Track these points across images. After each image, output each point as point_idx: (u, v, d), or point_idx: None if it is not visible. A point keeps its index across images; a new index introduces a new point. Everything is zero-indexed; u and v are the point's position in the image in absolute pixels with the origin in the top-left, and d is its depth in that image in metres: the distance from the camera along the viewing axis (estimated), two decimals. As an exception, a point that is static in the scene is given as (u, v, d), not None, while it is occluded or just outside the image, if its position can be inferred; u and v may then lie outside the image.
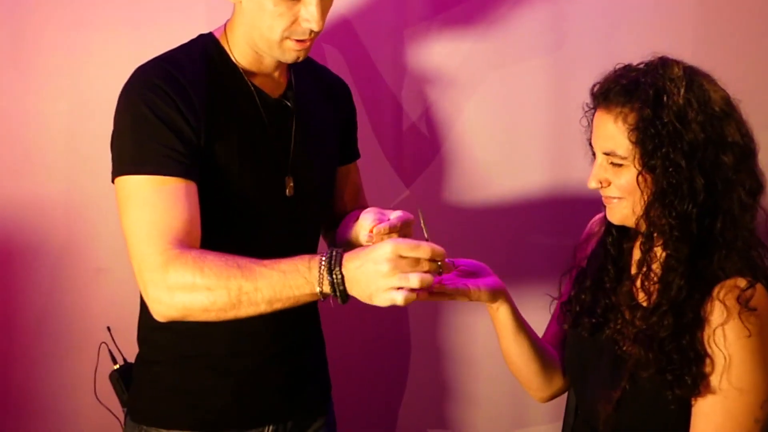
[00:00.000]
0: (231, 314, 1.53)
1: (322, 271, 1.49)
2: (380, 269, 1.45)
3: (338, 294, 1.50)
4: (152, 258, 1.55)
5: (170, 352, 1.77)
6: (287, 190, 1.75)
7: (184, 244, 1.56)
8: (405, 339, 2.52)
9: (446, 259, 1.51)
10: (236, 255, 1.54)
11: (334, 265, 1.49)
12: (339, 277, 1.48)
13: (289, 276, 1.50)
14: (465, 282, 1.63)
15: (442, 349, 2.53)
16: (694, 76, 1.57)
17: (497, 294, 1.68)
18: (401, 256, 1.45)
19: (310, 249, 1.83)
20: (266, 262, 1.53)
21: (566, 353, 1.78)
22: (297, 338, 1.85)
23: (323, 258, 1.50)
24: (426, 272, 1.46)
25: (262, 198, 1.72)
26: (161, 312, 1.57)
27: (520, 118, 2.44)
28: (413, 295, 1.46)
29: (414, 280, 1.45)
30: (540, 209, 2.47)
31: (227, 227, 1.70)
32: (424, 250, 1.46)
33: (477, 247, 2.39)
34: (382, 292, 1.45)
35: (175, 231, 1.56)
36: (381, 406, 2.55)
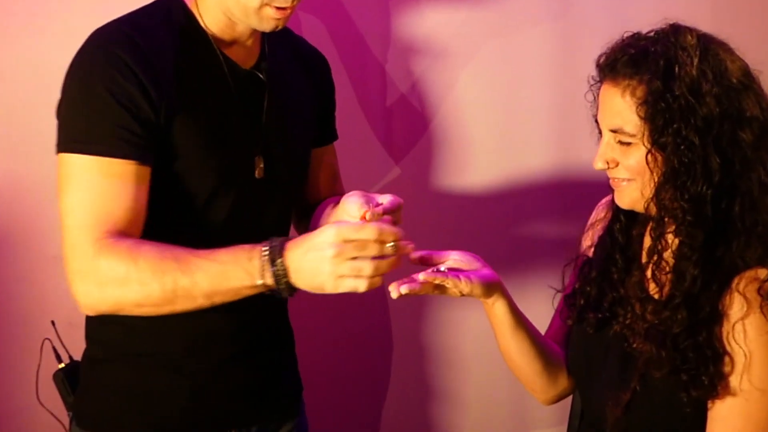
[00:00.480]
0: (166, 309, 1.53)
1: (263, 262, 1.48)
2: (325, 255, 1.44)
3: (282, 286, 1.48)
4: (83, 247, 1.52)
5: (121, 349, 1.72)
6: (257, 172, 1.71)
7: (123, 234, 1.54)
8: (386, 335, 2.48)
9: (419, 250, 1.52)
10: (174, 245, 1.53)
11: (276, 255, 1.47)
12: (282, 268, 1.47)
13: (228, 267, 1.49)
14: (456, 274, 1.60)
15: (427, 347, 2.49)
16: (709, 45, 1.54)
17: (492, 288, 1.65)
18: (346, 240, 1.45)
19: (279, 234, 1.76)
20: (205, 252, 1.51)
21: (570, 351, 1.76)
22: (262, 334, 1.80)
23: (264, 248, 1.49)
24: (380, 257, 1.46)
25: (228, 179, 1.67)
26: (89, 305, 1.56)
27: (520, 92, 2.41)
28: (378, 280, 1.45)
29: (368, 268, 1.44)
30: (542, 193, 2.44)
31: (188, 211, 1.65)
32: (369, 230, 1.45)
33: (472, 236, 2.38)
34: (334, 280, 1.45)
35: (116, 220, 1.54)
36: (359, 408, 2.51)
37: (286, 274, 1.47)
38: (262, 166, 1.71)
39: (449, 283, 1.58)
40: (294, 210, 1.90)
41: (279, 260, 1.47)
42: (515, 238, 2.44)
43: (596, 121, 1.63)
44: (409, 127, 2.44)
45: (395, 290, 1.51)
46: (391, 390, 2.51)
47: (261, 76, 1.73)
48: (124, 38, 1.60)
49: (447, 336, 2.51)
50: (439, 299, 2.44)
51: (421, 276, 1.56)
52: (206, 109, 1.65)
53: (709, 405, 1.51)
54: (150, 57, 1.59)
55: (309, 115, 1.86)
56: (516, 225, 2.44)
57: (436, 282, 1.57)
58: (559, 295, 1.79)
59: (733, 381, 1.48)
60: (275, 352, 1.84)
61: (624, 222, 1.68)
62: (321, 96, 1.90)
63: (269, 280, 1.48)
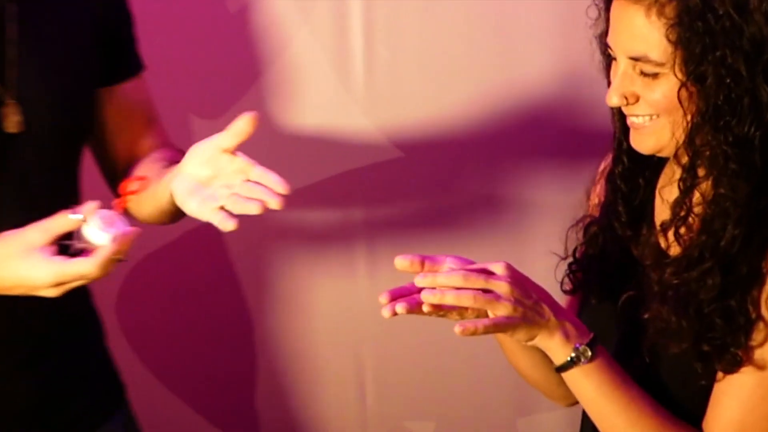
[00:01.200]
0: None
1: None
2: (46, 293, 1.45)
3: None
4: None
5: None
6: (8, 124, 1.57)
7: None
8: (244, 321, 2.42)
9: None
10: None
11: None
12: None
13: None
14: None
15: (290, 323, 2.43)
16: (752, -51, 1.39)
17: None
18: (63, 283, 1.44)
19: (57, 202, 1.62)
20: None
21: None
22: (50, 335, 1.69)
23: None
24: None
25: None
26: None
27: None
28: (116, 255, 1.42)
29: (95, 270, 1.42)
30: (537, 139, 2.34)
31: None
32: (88, 271, 1.43)
33: (450, 183, 2.30)
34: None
35: None
36: (229, 405, 2.46)
37: None
38: (18, 118, 1.59)
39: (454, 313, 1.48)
40: (103, 174, 1.81)
41: None
42: (506, 193, 2.36)
43: (602, 44, 1.53)
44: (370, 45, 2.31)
45: (389, 310, 1.41)
46: (260, 381, 2.45)
47: None
48: None
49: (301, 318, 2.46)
50: (308, 266, 2.43)
51: (425, 308, 1.45)
52: None
53: (719, 376, 1.45)
54: None
55: (86, 43, 1.70)
56: (507, 173, 2.37)
57: (440, 314, 1.47)
58: (564, 264, 1.69)
59: (766, 349, 1.41)
60: (73, 353, 1.76)
61: (627, 165, 1.59)
62: (103, 16, 1.73)
63: None
